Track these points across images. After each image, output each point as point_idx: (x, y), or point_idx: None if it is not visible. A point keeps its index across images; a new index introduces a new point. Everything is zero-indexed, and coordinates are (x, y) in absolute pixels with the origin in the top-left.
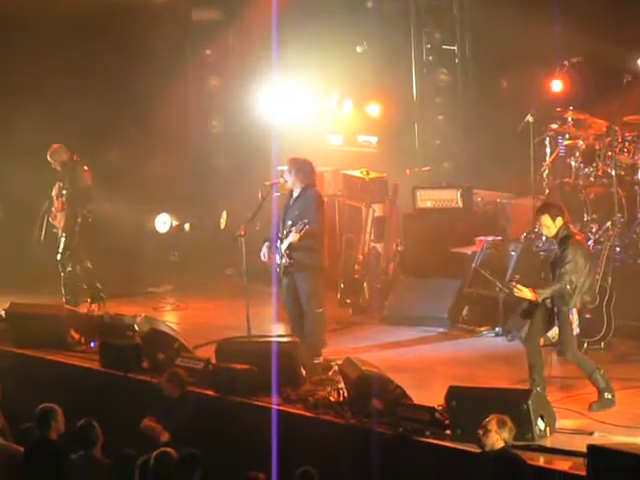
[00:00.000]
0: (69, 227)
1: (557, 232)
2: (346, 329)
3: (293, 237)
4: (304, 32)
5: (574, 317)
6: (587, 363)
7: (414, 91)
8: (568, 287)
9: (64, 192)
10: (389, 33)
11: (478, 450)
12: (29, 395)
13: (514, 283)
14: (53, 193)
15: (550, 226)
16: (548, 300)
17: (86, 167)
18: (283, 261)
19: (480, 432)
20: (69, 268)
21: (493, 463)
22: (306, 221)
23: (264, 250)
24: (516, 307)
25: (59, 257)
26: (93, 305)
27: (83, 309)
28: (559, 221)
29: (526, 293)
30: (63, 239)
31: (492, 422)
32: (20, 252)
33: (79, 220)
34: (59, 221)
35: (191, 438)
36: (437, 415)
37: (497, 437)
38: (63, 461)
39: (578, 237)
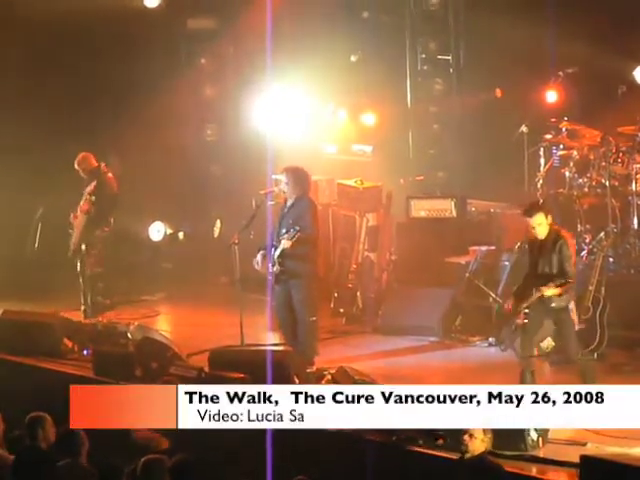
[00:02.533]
0: (89, 231)
1: (549, 230)
2: (339, 338)
3: (285, 244)
4: (299, 41)
5: (573, 312)
6: (592, 368)
7: (409, 100)
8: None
9: (91, 197)
10: (384, 43)
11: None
12: (21, 403)
13: (548, 286)
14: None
15: (545, 224)
16: (541, 303)
17: (111, 175)
18: (274, 269)
19: (466, 438)
20: (89, 272)
21: (473, 470)
22: (297, 228)
23: (258, 258)
24: (508, 317)
25: (79, 266)
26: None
27: (78, 316)
28: (549, 219)
29: (555, 290)
30: (82, 245)
31: (478, 429)
32: (14, 258)
33: (104, 227)
34: (79, 222)
35: (190, 446)
36: None
37: (481, 444)
38: (50, 470)
39: (566, 231)
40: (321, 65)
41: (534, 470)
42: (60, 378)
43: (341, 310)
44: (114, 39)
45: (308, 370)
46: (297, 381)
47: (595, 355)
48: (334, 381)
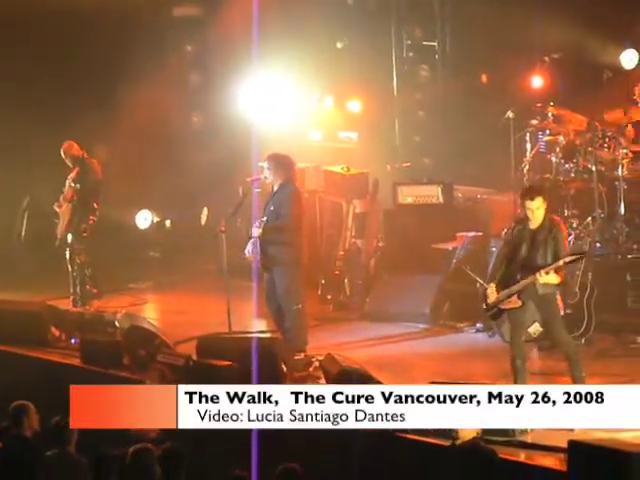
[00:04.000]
0: (76, 220)
1: (544, 217)
2: (327, 325)
3: (255, 232)
4: (285, 28)
5: (559, 299)
6: (575, 349)
7: (394, 87)
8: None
9: (75, 185)
10: (369, 29)
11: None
12: (8, 392)
13: (544, 271)
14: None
15: (542, 209)
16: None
17: (95, 161)
18: (259, 257)
19: None
20: (78, 260)
21: (465, 456)
22: (266, 217)
23: (249, 246)
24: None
25: (68, 255)
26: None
27: (66, 305)
28: (546, 204)
29: (553, 278)
30: (70, 235)
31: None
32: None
33: (89, 216)
34: (64, 211)
35: (178, 435)
36: None
37: (471, 430)
38: (37, 459)
39: (558, 218)
40: (307, 52)
41: (522, 455)
42: (48, 367)
43: (329, 297)
44: (99, 26)
45: (296, 357)
46: (284, 368)
47: (583, 340)
48: (322, 368)
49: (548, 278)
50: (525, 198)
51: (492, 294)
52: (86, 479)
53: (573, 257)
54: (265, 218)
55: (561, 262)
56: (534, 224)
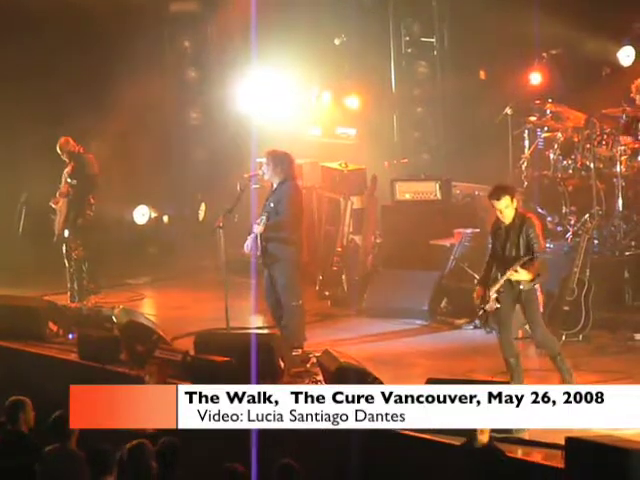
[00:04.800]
0: (72, 215)
1: (515, 214)
2: (325, 321)
3: (257, 229)
4: (283, 24)
5: (539, 294)
6: (555, 344)
7: (393, 83)
8: None
9: (71, 180)
10: (368, 25)
11: (458, 443)
12: (5, 387)
13: (513, 268)
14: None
15: (511, 208)
16: (509, 287)
17: (92, 156)
18: (258, 253)
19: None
20: (75, 256)
21: (476, 456)
22: (266, 214)
23: (248, 241)
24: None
25: (64, 250)
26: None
27: (64, 300)
28: (515, 203)
29: (524, 275)
30: (67, 230)
31: None
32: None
33: (86, 211)
34: (61, 206)
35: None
36: None
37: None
38: (35, 454)
39: (532, 214)
40: (305, 48)
41: (519, 452)
42: (45, 362)
43: (326, 293)
44: (96, 22)
45: (294, 353)
46: (282, 364)
47: (580, 337)
48: (319, 364)
49: (519, 275)
50: (492, 198)
51: (476, 297)
52: (84, 474)
53: (526, 258)
54: (265, 215)
55: (519, 262)
56: (506, 223)
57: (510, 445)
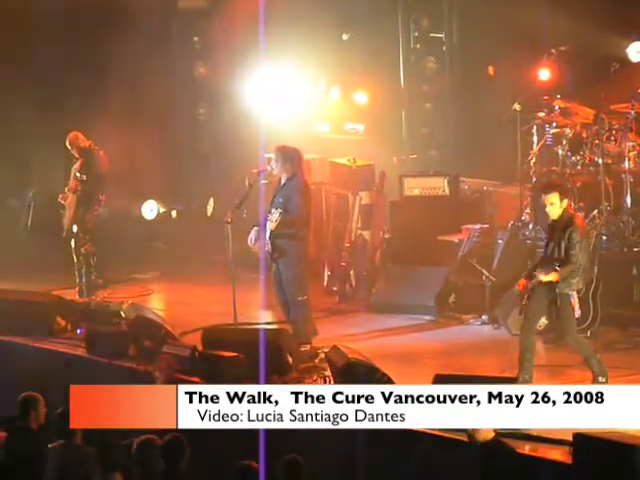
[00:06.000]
0: (81, 210)
1: (562, 213)
2: (333, 317)
3: (270, 226)
4: (291, 20)
5: (575, 299)
6: (586, 347)
7: (401, 79)
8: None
9: (80, 175)
10: (376, 21)
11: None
12: (14, 382)
13: (544, 271)
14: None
15: (557, 205)
16: (546, 285)
17: (102, 152)
18: (267, 248)
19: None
20: (83, 251)
21: (483, 452)
22: (280, 210)
23: (252, 235)
24: (502, 296)
25: (73, 245)
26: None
27: (72, 295)
28: (565, 202)
29: (550, 276)
30: (75, 225)
31: None
32: (7, 238)
33: (95, 207)
34: (70, 202)
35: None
36: None
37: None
38: (42, 450)
39: (580, 218)
40: (313, 43)
41: (527, 448)
42: (54, 357)
43: (334, 288)
44: (105, 18)
45: (302, 349)
46: (290, 359)
47: (588, 333)
48: (327, 359)
49: (547, 277)
50: (541, 191)
51: (518, 286)
52: (93, 469)
53: (557, 264)
54: (274, 210)
55: (552, 266)
56: (552, 218)
57: (518, 441)
